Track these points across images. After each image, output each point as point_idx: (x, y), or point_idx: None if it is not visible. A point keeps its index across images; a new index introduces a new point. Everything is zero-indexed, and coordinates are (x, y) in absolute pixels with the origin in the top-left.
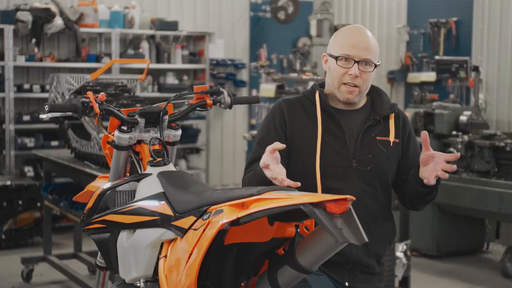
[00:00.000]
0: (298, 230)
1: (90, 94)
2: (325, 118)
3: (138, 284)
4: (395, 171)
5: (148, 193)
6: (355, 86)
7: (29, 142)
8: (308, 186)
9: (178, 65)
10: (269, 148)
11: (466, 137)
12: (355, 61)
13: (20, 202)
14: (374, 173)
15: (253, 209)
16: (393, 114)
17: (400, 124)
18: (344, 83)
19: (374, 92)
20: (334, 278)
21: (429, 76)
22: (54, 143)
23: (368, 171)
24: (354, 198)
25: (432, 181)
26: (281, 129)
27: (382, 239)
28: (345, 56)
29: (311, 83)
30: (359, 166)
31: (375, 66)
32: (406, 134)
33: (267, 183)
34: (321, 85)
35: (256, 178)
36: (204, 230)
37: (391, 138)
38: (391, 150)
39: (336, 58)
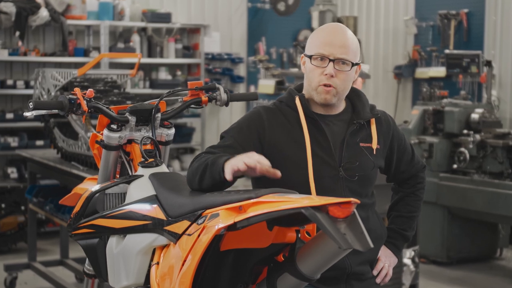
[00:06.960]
0: (299, 235)
1: (77, 90)
2: (309, 125)
3: None
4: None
5: (139, 196)
6: (332, 86)
7: (13, 141)
8: None
9: (171, 59)
10: (265, 166)
11: (478, 136)
12: (330, 60)
13: (3, 205)
14: (361, 182)
15: (251, 213)
16: (373, 118)
17: (383, 129)
18: (321, 84)
19: (354, 94)
20: None
21: (439, 71)
22: (39, 142)
23: (356, 180)
24: (358, 202)
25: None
26: (256, 137)
27: (374, 244)
28: (319, 55)
29: None
30: (346, 176)
31: (353, 64)
32: (390, 138)
33: (218, 183)
34: (297, 89)
35: (210, 170)
36: (198, 235)
37: (374, 145)
38: (375, 158)
39: (310, 57)
